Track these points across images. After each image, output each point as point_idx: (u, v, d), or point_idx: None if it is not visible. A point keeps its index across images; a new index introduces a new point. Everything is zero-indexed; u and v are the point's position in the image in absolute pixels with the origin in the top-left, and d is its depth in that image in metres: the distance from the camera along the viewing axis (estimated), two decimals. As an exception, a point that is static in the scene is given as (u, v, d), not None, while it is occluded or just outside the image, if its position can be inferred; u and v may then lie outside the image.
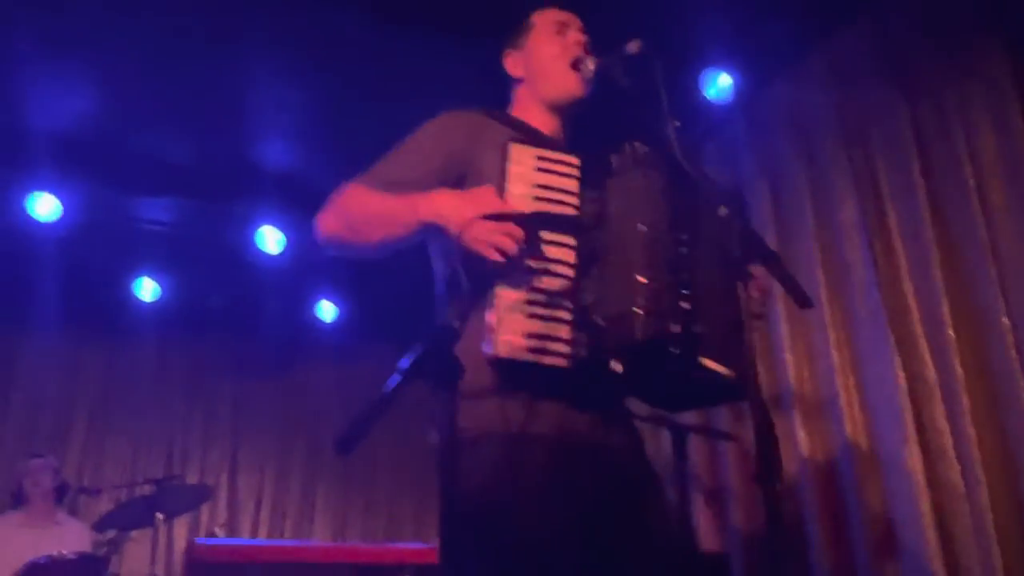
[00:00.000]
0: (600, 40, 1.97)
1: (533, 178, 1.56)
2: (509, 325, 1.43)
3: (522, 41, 1.93)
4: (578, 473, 1.51)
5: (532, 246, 1.45)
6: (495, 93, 2.04)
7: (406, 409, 1.37)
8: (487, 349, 1.43)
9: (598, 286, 1.49)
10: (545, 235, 1.50)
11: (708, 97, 3.61)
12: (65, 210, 4.42)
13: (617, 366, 1.43)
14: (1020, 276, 2.57)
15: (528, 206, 1.53)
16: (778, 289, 1.70)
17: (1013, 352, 2.52)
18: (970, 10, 2.89)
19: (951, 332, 2.71)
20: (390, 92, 3.73)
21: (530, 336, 1.43)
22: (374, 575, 3.39)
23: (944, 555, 2.64)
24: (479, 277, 1.46)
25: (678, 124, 1.62)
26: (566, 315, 1.48)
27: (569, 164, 1.60)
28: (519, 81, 1.93)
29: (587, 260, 1.52)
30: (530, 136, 1.71)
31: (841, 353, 3.13)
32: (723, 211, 1.40)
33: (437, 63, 3.55)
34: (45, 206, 4.36)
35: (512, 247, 1.41)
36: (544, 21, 1.92)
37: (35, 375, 5.43)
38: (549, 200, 1.55)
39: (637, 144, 1.60)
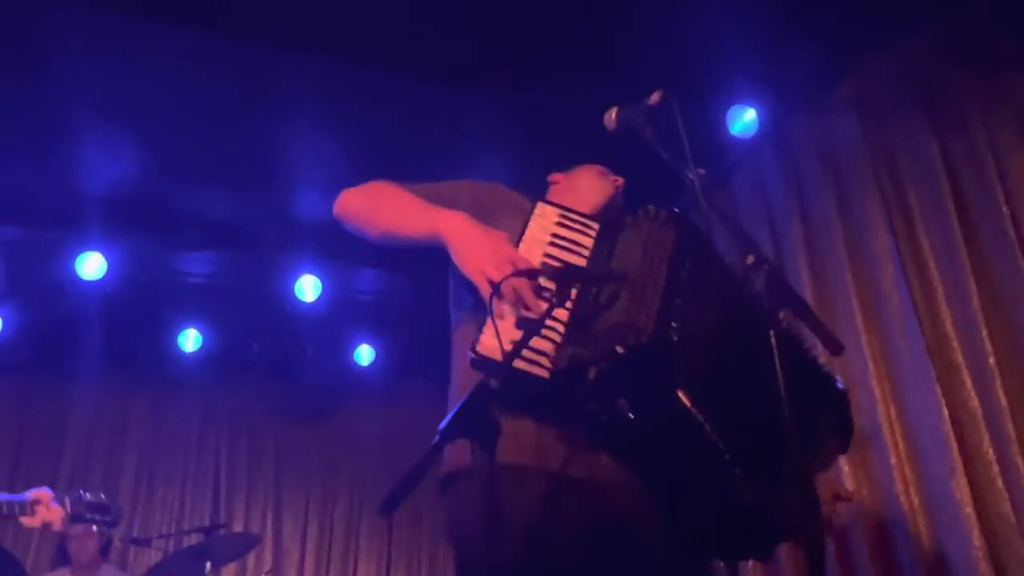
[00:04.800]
0: (627, 80, 2.03)
1: (551, 228, 1.64)
2: (493, 331, 1.43)
3: (569, 169, 2.08)
4: (566, 509, 1.50)
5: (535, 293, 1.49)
6: (523, 143, 2.11)
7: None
8: (469, 353, 1.45)
9: (593, 311, 1.51)
10: (556, 261, 1.57)
11: (733, 133, 3.64)
12: (111, 267, 4.57)
13: (592, 372, 1.41)
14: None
15: (540, 250, 1.60)
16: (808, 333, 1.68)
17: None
18: (995, 35, 2.89)
19: (992, 360, 2.68)
20: (422, 144, 3.82)
21: (511, 342, 1.42)
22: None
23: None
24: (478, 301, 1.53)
25: (702, 172, 1.65)
26: (554, 336, 1.48)
27: (589, 227, 1.68)
28: (554, 184, 2.07)
29: (588, 289, 1.55)
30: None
31: (881, 384, 3.10)
32: (750, 259, 1.42)
33: (467, 116, 3.64)
34: (92, 265, 4.51)
35: (505, 277, 1.47)
36: (591, 169, 2.07)
37: (85, 428, 5.57)
38: (561, 247, 1.62)
39: (651, 207, 1.65)
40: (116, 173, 4.11)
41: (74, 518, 2.74)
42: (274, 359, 5.69)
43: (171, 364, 5.56)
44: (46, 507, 2.59)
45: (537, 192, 1.99)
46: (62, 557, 4.30)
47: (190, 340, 5.48)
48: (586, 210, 1.81)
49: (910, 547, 2.89)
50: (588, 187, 1.99)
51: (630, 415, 1.44)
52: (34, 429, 5.51)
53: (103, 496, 2.85)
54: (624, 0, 3.16)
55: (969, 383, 2.77)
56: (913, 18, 3.15)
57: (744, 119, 3.66)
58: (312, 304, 5.00)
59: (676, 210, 1.61)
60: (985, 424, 2.70)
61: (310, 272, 4.93)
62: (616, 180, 2.03)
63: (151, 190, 4.29)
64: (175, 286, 5.02)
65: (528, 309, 1.47)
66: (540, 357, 1.45)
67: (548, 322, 1.46)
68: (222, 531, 4.58)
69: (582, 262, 1.60)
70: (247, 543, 4.80)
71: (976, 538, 2.64)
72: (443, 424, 1.17)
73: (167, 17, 3.24)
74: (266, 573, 5.10)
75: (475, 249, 1.55)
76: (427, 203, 1.72)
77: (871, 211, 3.25)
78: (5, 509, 2.59)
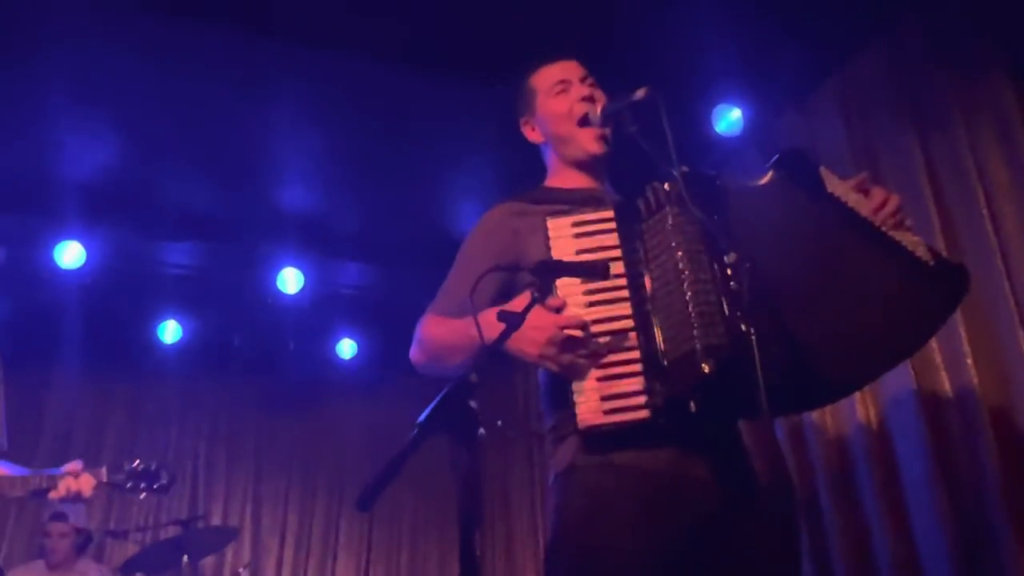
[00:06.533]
0: (613, 81, 2.02)
1: (574, 245, 1.62)
2: (586, 395, 1.49)
3: (531, 107, 1.98)
4: (672, 505, 1.54)
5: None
6: (509, 134, 2.09)
7: (428, 446, 1.40)
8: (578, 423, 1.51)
9: (657, 332, 1.53)
10: (597, 295, 1.56)
11: (719, 132, 3.65)
12: (90, 257, 4.52)
13: (692, 405, 1.47)
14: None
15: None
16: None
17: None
18: (976, 40, 2.91)
19: (970, 361, 2.70)
20: (406, 135, 3.81)
21: (606, 398, 1.48)
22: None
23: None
24: None
25: (686, 169, 1.65)
26: (635, 367, 1.52)
27: (604, 220, 1.65)
28: (545, 145, 1.98)
29: (642, 309, 1.56)
30: (565, 203, 1.76)
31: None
32: (731, 257, 1.44)
33: (451, 105, 3.62)
34: (70, 254, 4.45)
35: (573, 355, 1.51)
36: (544, 83, 1.96)
37: (62, 420, 5.50)
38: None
39: (657, 184, 1.64)
40: (97, 161, 4.07)
41: (114, 487, 2.56)
42: (255, 352, 5.65)
43: (150, 356, 5.51)
44: (73, 478, 2.45)
45: (537, 179, 1.98)
46: (38, 549, 4.25)
47: (170, 331, 5.43)
48: (581, 166, 1.89)
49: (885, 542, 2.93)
50: (563, 133, 1.92)
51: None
52: (9, 421, 5.43)
53: (153, 463, 2.65)
54: (610, -1, 3.16)
55: (947, 383, 2.80)
56: (896, 18, 3.17)
57: (730, 118, 3.67)
58: (294, 297, 4.97)
59: (675, 179, 1.59)
60: (960, 419, 2.73)
61: (292, 265, 4.90)
62: (578, 93, 1.91)
63: (132, 179, 4.25)
64: (155, 277, 4.97)
65: (598, 359, 1.51)
66: (634, 399, 1.50)
67: (624, 357, 1.51)
68: (200, 524, 4.53)
69: (619, 268, 1.59)
70: (225, 536, 4.77)
71: (949, 534, 2.68)
72: (422, 417, 1.16)
73: (151, 5, 3.21)
74: (244, 566, 5.07)
75: (523, 340, 1.53)
76: (464, 325, 1.64)
77: (852, 210, 3.26)
78: (32, 485, 2.45)
